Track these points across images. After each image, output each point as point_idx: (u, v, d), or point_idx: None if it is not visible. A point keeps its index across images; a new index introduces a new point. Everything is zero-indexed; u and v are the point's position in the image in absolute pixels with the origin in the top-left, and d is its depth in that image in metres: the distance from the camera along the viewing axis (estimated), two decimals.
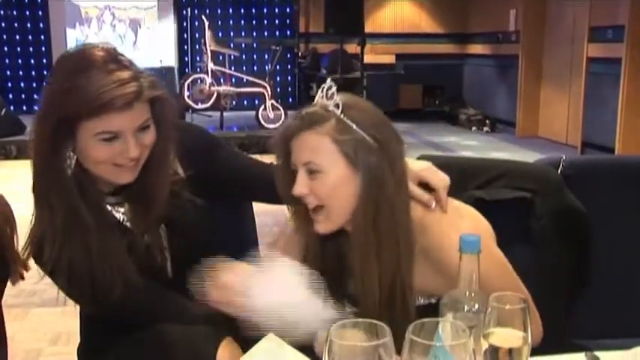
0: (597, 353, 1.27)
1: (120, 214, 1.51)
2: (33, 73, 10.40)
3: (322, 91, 1.34)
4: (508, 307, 1.03)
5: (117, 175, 1.43)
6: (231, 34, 10.63)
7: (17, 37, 10.28)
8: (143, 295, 1.49)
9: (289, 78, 11.16)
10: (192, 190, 1.55)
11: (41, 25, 10.32)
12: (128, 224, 1.51)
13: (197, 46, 10.22)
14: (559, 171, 1.76)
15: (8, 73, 10.35)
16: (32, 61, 10.41)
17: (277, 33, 10.97)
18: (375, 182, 1.30)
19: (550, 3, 8.95)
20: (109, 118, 1.34)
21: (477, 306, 1.09)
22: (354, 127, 1.30)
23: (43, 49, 10.37)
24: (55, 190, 1.40)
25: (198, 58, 10.25)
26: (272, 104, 8.82)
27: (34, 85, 10.30)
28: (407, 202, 1.34)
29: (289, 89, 11.14)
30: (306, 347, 1.32)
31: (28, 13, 10.25)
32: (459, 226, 1.30)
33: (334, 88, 1.33)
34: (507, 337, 1.02)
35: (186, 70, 10.25)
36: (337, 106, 1.31)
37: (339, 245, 1.43)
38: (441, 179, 1.38)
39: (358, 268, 1.35)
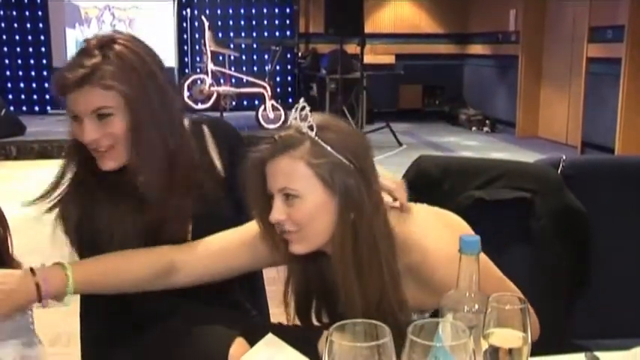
0: (597, 353, 1.27)
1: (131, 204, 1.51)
2: (33, 73, 10.39)
3: (296, 111, 1.30)
4: (508, 307, 1.03)
5: (98, 160, 1.46)
6: (231, 34, 10.63)
7: (17, 37, 10.27)
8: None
9: (289, 78, 11.16)
10: (227, 188, 1.56)
11: (41, 25, 10.31)
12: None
13: (197, 47, 10.22)
14: (559, 171, 1.76)
15: (8, 73, 10.34)
16: (32, 62, 10.40)
17: (277, 33, 10.96)
18: (352, 204, 1.28)
19: (550, 3, 8.95)
20: (68, 97, 1.42)
21: (476, 306, 1.09)
22: (329, 149, 1.27)
23: (43, 49, 10.36)
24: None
25: (198, 59, 10.25)
26: (272, 105, 8.82)
27: (34, 85, 10.30)
28: (386, 221, 1.32)
29: (289, 89, 11.13)
30: (307, 347, 1.32)
31: (27, 13, 10.24)
32: (441, 241, 1.29)
33: (307, 109, 1.29)
34: (507, 338, 1.02)
35: (186, 71, 10.24)
36: (311, 127, 1.28)
37: (320, 266, 1.41)
38: (393, 182, 1.38)
39: (341, 290, 1.32)
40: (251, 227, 1.43)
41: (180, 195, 1.48)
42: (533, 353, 1.05)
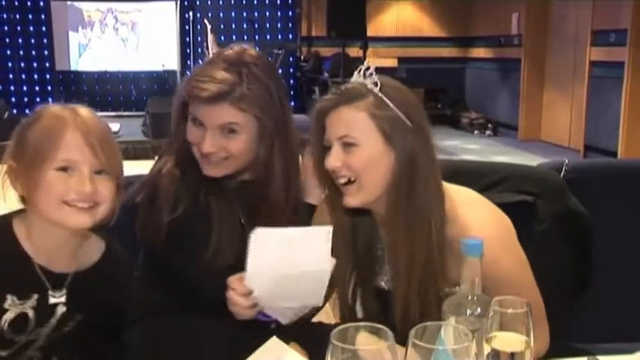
0: (600, 357, 1.26)
1: (239, 202, 1.56)
2: (35, 76, 10.40)
3: (359, 72, 1.37)
4: (510, 311, 1.03)
5: (202, 165, 1.51)
6: (234, 37, 10.64)
7: (20, 40, 10.28)
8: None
9: (292, 81, 11.16)
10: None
11: (43, 28, 10.32)
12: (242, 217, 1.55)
13: (199, 50, 10.22)
14: (561, 174, 1.76)
15: (11, 76, 10.35)
16: (35, 65, 10.41)
17: (279, 36, 10.97)
18: (409, 160, 1.33)
19: (553, 6, 8.95)
20: (195, 106, 1.48)
21: (479, 310, 1.09)
22: (391, 105, 1.33)
23: (46, 52, 10.37)
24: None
25: (200, 62, 10.24)
26: None
27: (37, 88, 10.31)
28: (439, 183, 1.36)
29: (292, 92, 11.13)
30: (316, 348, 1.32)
31: (30, 16, 10.25)
32: (486, 221, 1.33)
33: (372, 68, 1.36)
34: (510, 341, 1.02)
35: (188, 74, 10.23)
36: (375, 84, 1.34)
37: (370, 233, 1.44)
38: None
39: (389, 249, 1.37)
40: None
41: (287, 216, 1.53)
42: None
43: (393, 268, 1.37)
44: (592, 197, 1.72)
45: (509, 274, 1.31)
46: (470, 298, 1.10)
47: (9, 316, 1.27)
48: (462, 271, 1.11)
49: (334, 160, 1.33)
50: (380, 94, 1.33)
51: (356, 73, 1.37)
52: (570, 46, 8.40)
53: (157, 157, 1.61)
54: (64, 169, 1.26)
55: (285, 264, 1.29)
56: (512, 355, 1.01)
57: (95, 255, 1.40)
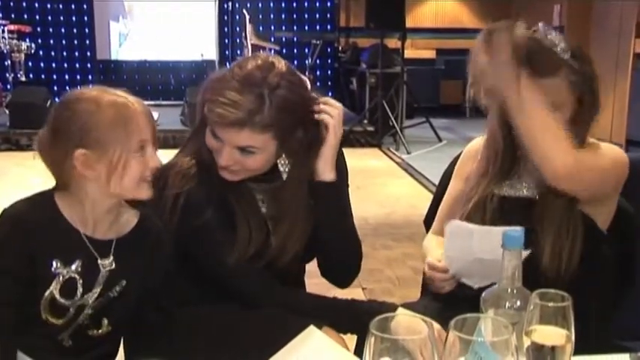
0: None
1: (259, 195, 1.57)
2: (77, 65, 10.57)
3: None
4: (551, 304, 1.01)
5: (219, 170, 1.49)
6: (272, 28, 10.66)
7: (62, 30, 10.46)
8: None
9: (329, 72, 11.15)
10: None
11: (86, 18, 10.48)
12: (263, 208, 1.56)
13: (238, 40, 10.26)
14: None
15: (54, 65, 10.55)
16: (76, 54, 10.58)
17: (318, 27, 10.95)
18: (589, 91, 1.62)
19: None
20: (215, 124, 1.44)
21: (518, 303, 1.08)
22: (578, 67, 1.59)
23: (87, 42, 10.53)
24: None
25: (238, 52, 10.29)
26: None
27: (78, 77, 10.47)
28: None
29: (329, 83, 11.12)
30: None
31: (73, 6, 10.41)
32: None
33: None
34: (550, 335, 1.01)
35: (227, 64, 10.26)
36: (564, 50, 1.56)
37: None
38: None
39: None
40: None
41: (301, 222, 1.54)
42: (576, 352, 1.03)
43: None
44: (636, 193, 1.68)
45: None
46: (509, 291, 1.09)
47: (59, 280, 1.36)
48: (501, 264, 1.10)
49: None
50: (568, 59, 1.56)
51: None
52: (613, 39, 8.23)
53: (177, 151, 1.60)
54: (140, 149, 1.37)
55: (476, 250, 1.46)
56: (553, 348, 1.00)
57: (131, 223, 1.48)
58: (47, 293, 1.35)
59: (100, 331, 1.43)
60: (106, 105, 1.36)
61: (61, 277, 1.36)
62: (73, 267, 1.38)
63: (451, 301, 1.56)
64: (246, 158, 1.45)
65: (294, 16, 10.72)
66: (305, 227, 1.55)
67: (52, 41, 10.44)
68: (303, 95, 1.50)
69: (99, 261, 1.41)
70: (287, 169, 1.57)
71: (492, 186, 1.62)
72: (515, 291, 1.09)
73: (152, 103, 9.63)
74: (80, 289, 1.38)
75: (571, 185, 1.46)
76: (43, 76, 10.30)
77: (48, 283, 1.35)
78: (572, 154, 1.43)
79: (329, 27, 11.01)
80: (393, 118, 8.16)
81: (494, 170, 1.64)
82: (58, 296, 1.36)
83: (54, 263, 1.36)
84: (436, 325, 1.30)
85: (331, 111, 1.53)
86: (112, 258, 1.42)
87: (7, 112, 7.87)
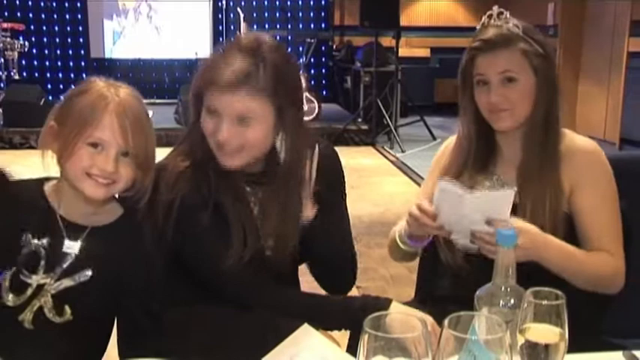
0: (635, 352, 1.25)
1: (253, 197, 1.56)
2: (71, 63, 10.55)
3: (490, 17, 1.62)
4: (545, 302, 1.02)
5: (218, 156, 1.49)
6: (266, 26, 10.65)
7: (56, 27, 10.43)
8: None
9: (323, 71, 11.15)
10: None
11: (79, 16, 10.46)
12: (255, 210, 1.55)
13: (232, 39, 10.25)
14: None
15: (47, 63, 10.52)
16: (70, 52, 10.56)
17: (312, 26, 10.96)
18: (548, 85, 1.61)
19: None
20: (212, 95, 1.44)
21: (512, 301, 1.08)
22: (535, 44, 1.58)
23: (81, 40, 10.51)
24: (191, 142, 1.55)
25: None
26: (306, 96, 8.82)
27: (72, 75, 10.45)
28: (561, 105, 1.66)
29: (323, 82, 11.13)
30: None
31: (67, 4, 10.39)
32: (589, 140, 1.68)
33: (507, 13, 1.63)
34: (544, 333, 1.01)
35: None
36: (517, 26, 1.59)
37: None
38: None
39: (523, 158, 1.62)
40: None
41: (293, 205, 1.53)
42: (568, 350, 1.04)
43: (523, 176, 1.59)
44: (628, 190, 1.69)
45: (603, 187, 1.60)
46: (503, 289, 1.09)
47: (24, 252, 1.40)
48: (495, 262, 1.11)
49: (495, 95, 1.57)
50: (525, 36, 1.57)
51: (486, 18, 1.63)
52: (607, 37, 8.25)
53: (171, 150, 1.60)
54: (94, 145, 1.38)
55: (468, 209, 1.45)
56: (547, 346, 1.00)
57: (113, 216, 1.49)
58: (13, 268, 1.39)
59: (61, 318, 1.41)
60: (93, 91, 1.41)
61: (26, 250, 1.40)
62: (41, 242, 1.41)
63: (444, 302, 1.56)
64: (245, 130, 1.45)
65: (289, 14, 10.70)
66: (296, 229, 1.55)
67: (45, 39, 10.41)
68: (295, 67, 1.55)
69: (66, 241, 1.42)
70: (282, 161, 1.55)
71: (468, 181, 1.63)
72: (509, 289, 1.09)
73: (146, 101, 9.44)
74: (43, 265, 1.40)
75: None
76: (36, 75, 10.28)
77: (14, 254, 1.39)
78: (612, 261, 1.56)
79: (323, 25, 11.01)
80: (387, 117, 8.16)
81: (469, 163, 1.67)
82: (22, 269, 1.39)
83: (24, 236, 1.40)
84: (429, 320, 1.30)
85: None
86: (80, 244, 1.43)
87: (1, 110, 7.84)
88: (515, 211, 1.52)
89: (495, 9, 1.62)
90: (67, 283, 1.41)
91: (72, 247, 1.42)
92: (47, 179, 1.48)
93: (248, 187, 1.56)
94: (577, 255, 1.52)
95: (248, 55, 1.44)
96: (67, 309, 1.42)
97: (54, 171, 1.45)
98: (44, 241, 1.41)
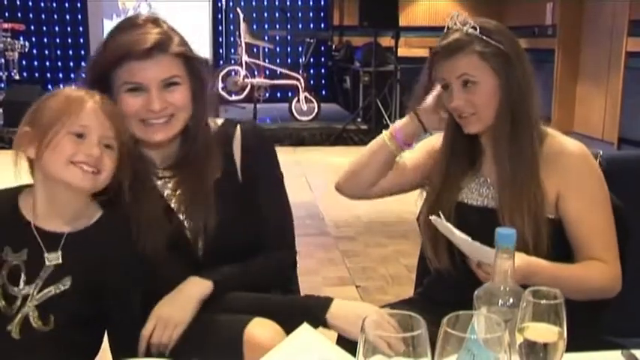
0: (634, 351, 1.26)
1: (167, 189, 1.56)
2: (71, 64, 10.56)
3: (452, 19, 1.60)
4: (544, 302, 1.02)
5: (146, 133, 1.49)
6: (266, 26, 10.66)
7: (56, 28, 10.44)
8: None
9: (323, 71, 11.16)
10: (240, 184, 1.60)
11: (79, 16, 10.47)
12: (172, 202, 1.55)
13: (232, 39, 10.27)
14: None
15: (47, 63, 10.52)
16: (70, 52, 10.57)
17: (311, 26, 10.96)
18: (515, 86, 1.55)
19: None
20: (130, 67, 1.44)
21: (511, 300, 1.09)
22: (493, 42, 1.55)
23: (81, 40, 10.52)
24: None
25: (232, 51, 10.30)
26: (305, 97, 8.84)
27: (72, 75, 10.44)
28: (537, 108, 1.59)
29: (322, 82, 11.13)
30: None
31: (67, 5, 10.40)
32: (578, 143, 1.59)
33: (465, 16, 1.59)
34: (542, 332, 1.02)
35: (221, 62, 10.30)
36: (474, 28, 1.56)
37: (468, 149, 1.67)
38: None
39: (495, 160, 1.60)
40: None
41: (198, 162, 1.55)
42: (567, 349, 1.04)
43: (499, 179, 1.59)
44: (627, 189, 1.69)
45: (590, 191, 1.56)
46: (502, 288, 1.10)
47: (6, 267, 1.40)
48: (494, 262, 1.11)
49: (457, 99, 1.56)
50: (482, 36, 1.55)
51: (449, 20, 1.60)
52: (606, 37, 8.26)
53: None
54: (79, 134, 1.38)
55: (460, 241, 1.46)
56: (546, 345, 1.01)
57: (91, 219, 1.48)
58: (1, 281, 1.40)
59: (47, 327, 1.40)
60: (61, 94, 1.42)
61: (8, 264, 1.40)
62: (20, 256, 1.41)
63: (442, 302, 1.57)
64: (172, 93, 1.47)
65: (288, 14, 10.72)
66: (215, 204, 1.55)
67: (45, 40, 10.42)
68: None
69: (45, 254, 1.41)
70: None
71: (450, 190, 1.66)
72: (507, 288, 1.10)
73: None
74: (24, 278, 1.40)
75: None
76: (36, 75, 10.29)
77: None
78: (607, 271, 1.55)
79: (323, 25, 11.01)
80: (386, 117, 8.17)
81: (455, 163, 1.68)
82: (7, 282, 1.39)
83: (5, 250, 1.41)
84: (378, 310, 1.34)
85: None
86: (60, 252, 1.42)
87: (1, 110, 7.85)
88: (494, 216, 1.53)
89: (455, 13, 1.61)
90: (49, 292, 1.41)
91: (52, 258, 1.41)
92: (23, 187, 1.47)
93: (159, 181, 1.56)
94: (571, 277, 1.50)
95: (155, 25, 1.49)
96: (52, 318, 1.41)
97: (26, 178, 1.45)
98: (22, 254, 1.41)
